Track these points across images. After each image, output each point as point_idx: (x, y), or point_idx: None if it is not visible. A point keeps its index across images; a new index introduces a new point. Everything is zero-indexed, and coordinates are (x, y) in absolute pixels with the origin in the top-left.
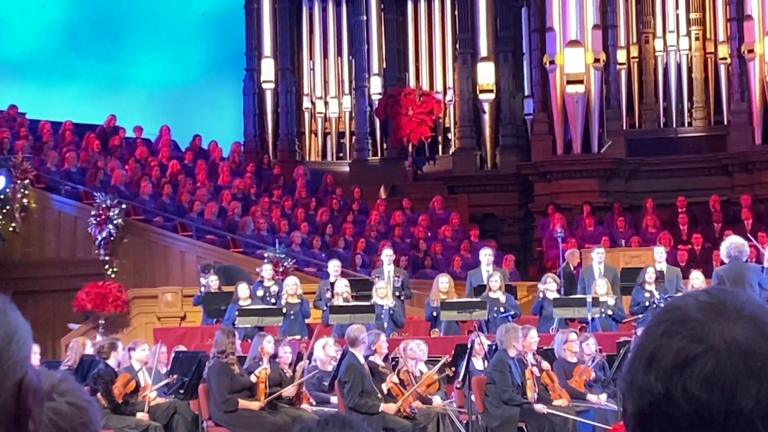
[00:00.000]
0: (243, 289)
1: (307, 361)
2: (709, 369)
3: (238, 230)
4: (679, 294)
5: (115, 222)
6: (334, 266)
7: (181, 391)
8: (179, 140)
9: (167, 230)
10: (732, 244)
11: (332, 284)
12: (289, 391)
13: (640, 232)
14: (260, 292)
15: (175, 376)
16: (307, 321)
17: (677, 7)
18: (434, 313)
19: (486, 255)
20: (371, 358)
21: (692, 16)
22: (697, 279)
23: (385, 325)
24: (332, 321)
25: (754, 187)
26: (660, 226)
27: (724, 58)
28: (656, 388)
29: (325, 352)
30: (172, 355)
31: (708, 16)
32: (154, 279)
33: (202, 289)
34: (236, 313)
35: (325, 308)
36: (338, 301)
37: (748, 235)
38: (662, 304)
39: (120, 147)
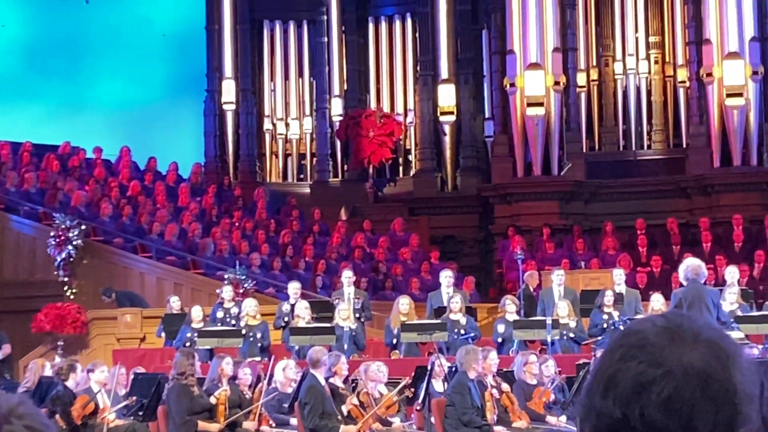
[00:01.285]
0: (196, 311)
1: (267, 383)
2: (666, 393)
3: (199, 251)
4: (638, 317)
5: (74, 243)
6: (294, 288)
7: (140, 413)
8: (140, 161)
9: (127, 251)
10: (689, 266)
11: (292, 306)
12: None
13: (599, 254)
14: (220, 314)
15: (134, 398)
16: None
17: (636, 31)
18: (395, 337)
19: (446, 277)
20: (331, 380)
21: (651, 39)
22: (657, 302)
23: (345, 346)
24: (293, 343)
25: (712, 210)
26: (619, 249)
27: (683, 82)
28: (614, 413)
29: (285, 374)
30: (131, 376)
31: (667, 40)
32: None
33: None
34: (189, 334)
35: (283, 326)
36: (298, 323)
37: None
38: (621, 327)
39: (80, 168)
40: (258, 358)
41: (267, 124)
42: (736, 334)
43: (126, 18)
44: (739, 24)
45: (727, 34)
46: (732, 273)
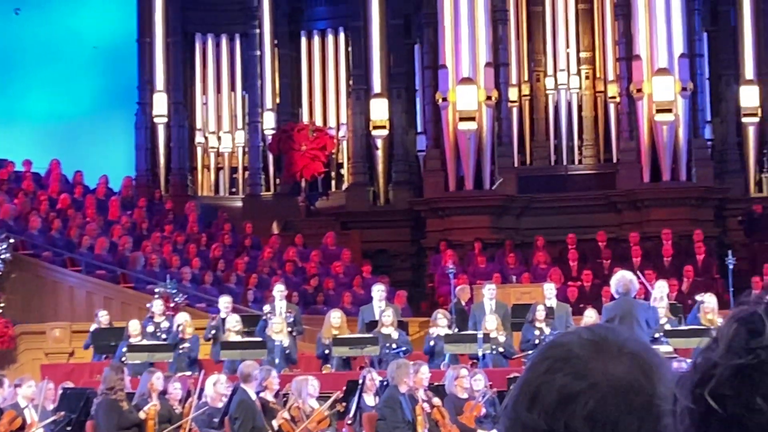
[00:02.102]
0: (134, 326)
1: (197, 398)
2: (591, 406)
3: (129, 265)
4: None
5: (2, 257)
6: (225, 302)
7: (68, 429)
8: (70, 174)
9: (56, 265)
10: (620, 280)
11: (223, 320)
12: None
13: (531, 268)
14: (150, 328)
15: (63, 413)
16: (197, 357)
17: (568, 46)
18: (326, 350)
19: (378, 291)
20: (262, 395)
21: (582, 55)
22: (590, 317)
23: (277, 360)
24: (223, 357)
25: (642, 225)
26: (551, 263)
27: (614, 97)
28: (539, 425)
29: (215, 389)
30: (60, 391)
31: (598, 56)
32: (43, 314)
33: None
34: (125, 349)
35: (210, 337)
36: (230, 337)
37: (638, 272)
38: None
39: (8, 181)
40: (188, 373)
41: (199, 138)
42: (664, 348)
43: (56, 30)
44: (668, 40)
45: (656, 50)
46: (661, 287)
